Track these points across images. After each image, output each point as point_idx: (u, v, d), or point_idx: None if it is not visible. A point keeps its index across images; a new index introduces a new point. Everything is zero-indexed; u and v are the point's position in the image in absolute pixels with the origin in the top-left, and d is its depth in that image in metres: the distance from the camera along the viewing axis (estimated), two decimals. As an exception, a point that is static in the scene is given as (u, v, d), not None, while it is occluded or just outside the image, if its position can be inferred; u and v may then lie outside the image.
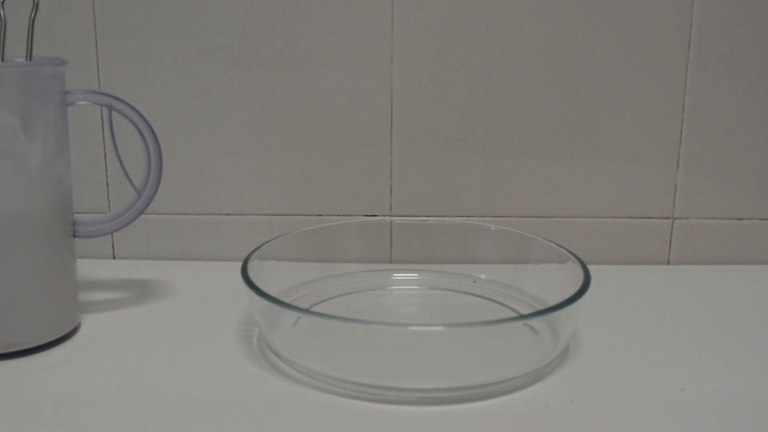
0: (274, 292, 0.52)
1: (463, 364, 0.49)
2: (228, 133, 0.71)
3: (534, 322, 0.53)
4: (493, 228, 0.66)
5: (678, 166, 0.71)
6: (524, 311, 0.60)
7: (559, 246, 0.59)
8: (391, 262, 0.71)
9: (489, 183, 0.71)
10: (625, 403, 0.47)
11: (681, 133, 0.70)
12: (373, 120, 0.70)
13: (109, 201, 0.72)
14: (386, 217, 0.72)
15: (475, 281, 0.64)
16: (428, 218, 0.71)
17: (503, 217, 0.72)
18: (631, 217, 0.72)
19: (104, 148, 0.71)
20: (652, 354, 0.53)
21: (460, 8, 0.68)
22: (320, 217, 0.72)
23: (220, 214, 0.73)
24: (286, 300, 0.55)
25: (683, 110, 0.69)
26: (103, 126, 0.71)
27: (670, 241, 0.72)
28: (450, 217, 0.72)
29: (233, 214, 0.73)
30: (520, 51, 0.68)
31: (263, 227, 0.72)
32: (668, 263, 0.73)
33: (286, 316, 0.52)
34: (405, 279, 0.68)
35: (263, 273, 0.56)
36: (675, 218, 0.72)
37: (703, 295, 0.65)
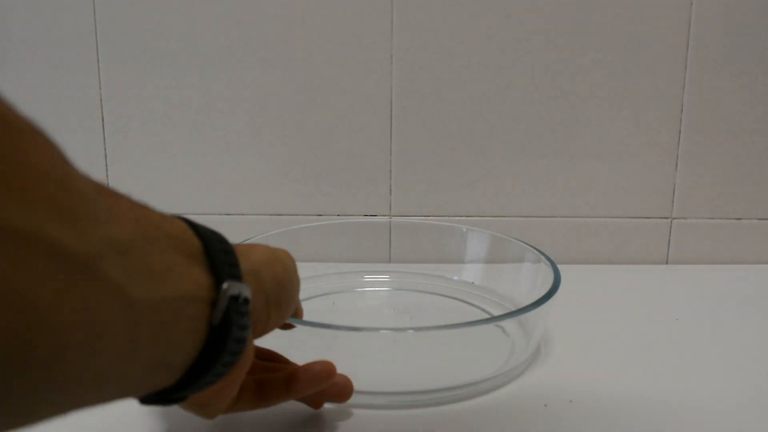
0: None
1: (434, 366, 0.48)
2: (228, 133, 0.71)
3: (506, 323, 0.53)
4: (464, 229, 0.65)
5: (676, 166, 0.71)
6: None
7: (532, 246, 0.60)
8: (390, 261, 0.72)
9: (488, 183, 0.71)
10: (622, 402, 0.47)
11: (679, 133, 0.70)
12: (373, 120, 0.70)
13: (109, 201, 0.72)
14: (386, 217, 0.72)
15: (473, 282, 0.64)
16: (428, 217, 0.71)
17: (503, 217, 0.72)
18: (630, 217, 0.72)
19: (104, 148, 0.71)
20: (652, 353, 0.54)
21: (459, 8, 0.68)
22: (320, 216, 0.72)
23: (220, 214, 0.73)
24: None
25: (682, 110, 0.70)
26: (103, 126, 0.71)
27: (669, 241, 0.72)
28: (450, 217, 0.72)
29: (233, 214, 0.73)
30: (519, 51, 0.68)
31: (263, 227, 0.72)
32: (667, 263, 0.73)
33: None
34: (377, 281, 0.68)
35: None
36: (673, 218, 0.72)
37: (701, 294, 0.65)
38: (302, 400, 0.45)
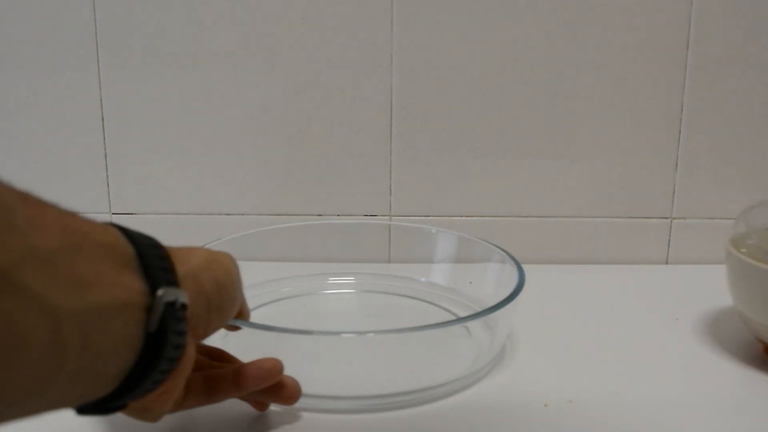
0: None
1: (400, 369, 0.48)
2: (228, 133, 0.71)
3: (472, 324, 0.53)
4: (433, 230, 0.65)
5: (676, 166, 0.71)
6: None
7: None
8: (389, 261, 0.72)
9: (488, 183, 0.71)
10: (622, 402, 0.47)
11: (679, 133, 0.70)
12: (373, 120, 0.70)
13: (109, 201, 0.72)
14: (385, 217, 0.72)
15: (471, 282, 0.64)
16: (428, 217, 0.71)
17: (503, 216, 0.72)
18: (630, 217, 0.72)
19: (104, 148, 0.71)
20: (652, 353, 0.54)
21: (459, 8, 0.68)
22: (320, 216, 0.72)
23: (220, 214, 0.73)
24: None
25: (682, 111, 0.70)
26: (103, 126, 0.71)
27: (669, 241, 0.72)
28: (450, 217, 0.72)
29: (233, 214, 0.73)
30: (519, 51, 0.68)
31: (263, 227, 0.72)
32: (667, 263, 0.73)
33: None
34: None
35: None
36: (673, 218, 0.72)
37: (701, 294, 0.65)
38: (247, 400, 0.44)
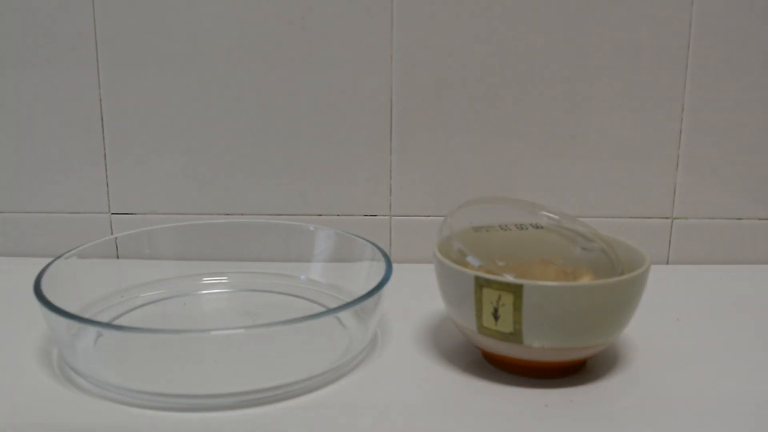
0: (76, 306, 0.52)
1: (267, 364, 0.48)
2: (228, 133, 0.71)
3: (343, 315, 0.53)
4: (311, 228, 0.65)
5: (677, 166, 0.71)
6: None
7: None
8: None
9: (488, 183, 0.71)
10: (621, 402, 0.47)
11: (680, 133, 0.70)
12: (373, 120, 0.70)
13: (108, 201, 0.72)
14: (385, 217, 0.72)
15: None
16: (428, 217, 0.71)
17: (503, 216, 0.72)
18: (630, 217, 0.72)
19: (104, 148, 0.71)
20: (652, 353, 0.54)
21: (460, 8, 0.68)
22: (320, 216, 0.72)
23: (220, 214, 0.73)
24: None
25: (682, 110, 0.70)
26: (103, 125, 0.71)
27: (670, 241, 0.72)
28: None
29: (233, 214, 0.73)
30: (519, 51, 0.68)
31: (263, 227, 0.72)
32: (667, 263, 0.73)
33: (87, 332, 0.50)
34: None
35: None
36: (674, 218, 0.72)
37: (701, 294, 0.65)
38: None
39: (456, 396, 0.48)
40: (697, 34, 0.68)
